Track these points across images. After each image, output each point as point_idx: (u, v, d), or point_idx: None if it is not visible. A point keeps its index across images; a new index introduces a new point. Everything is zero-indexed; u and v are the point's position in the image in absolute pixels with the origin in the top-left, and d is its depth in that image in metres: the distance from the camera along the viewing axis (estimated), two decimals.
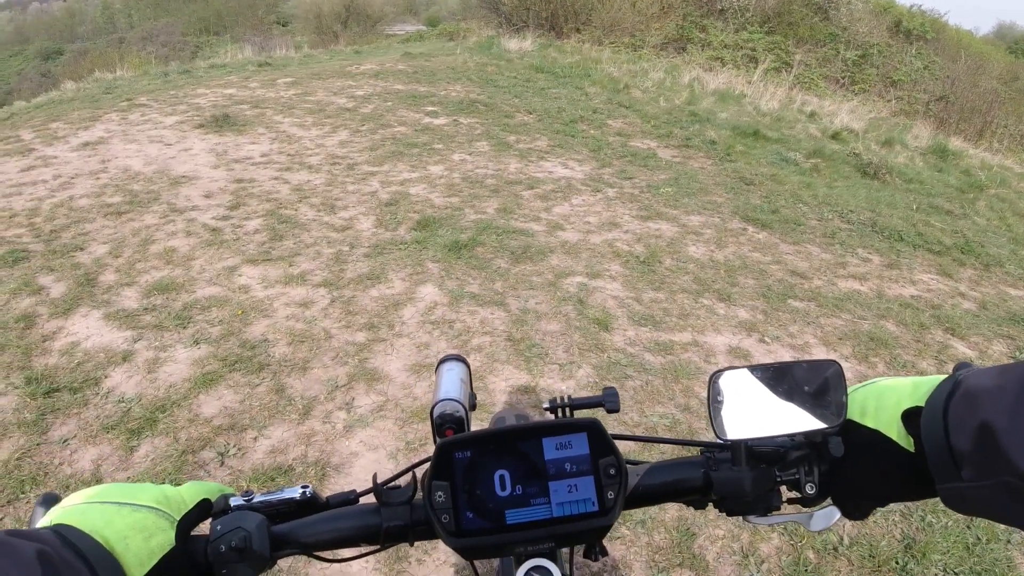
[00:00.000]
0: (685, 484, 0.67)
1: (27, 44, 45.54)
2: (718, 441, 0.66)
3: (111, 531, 0.51)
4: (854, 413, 0.63)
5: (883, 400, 0.61)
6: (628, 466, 0.65)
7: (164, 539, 0.54)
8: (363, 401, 2.74)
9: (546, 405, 0.72)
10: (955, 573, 2.12)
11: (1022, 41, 28.84)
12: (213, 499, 0.62)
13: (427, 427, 2.58)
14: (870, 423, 0.61)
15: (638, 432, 2.62)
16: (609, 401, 0.71)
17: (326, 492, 0.68)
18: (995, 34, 35.66)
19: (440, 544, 2.06)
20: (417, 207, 4.82)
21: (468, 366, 0.90)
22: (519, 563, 0.63)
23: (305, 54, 14.42)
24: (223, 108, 7.45)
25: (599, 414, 0.68)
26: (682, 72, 12.29)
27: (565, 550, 0.79)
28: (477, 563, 0.80)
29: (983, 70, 18.70)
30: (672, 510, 2.25)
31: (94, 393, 2.71)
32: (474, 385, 0.92)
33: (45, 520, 0.52)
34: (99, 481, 2.28)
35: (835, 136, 9.09)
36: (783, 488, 0.67)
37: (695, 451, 0.71)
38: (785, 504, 0.67)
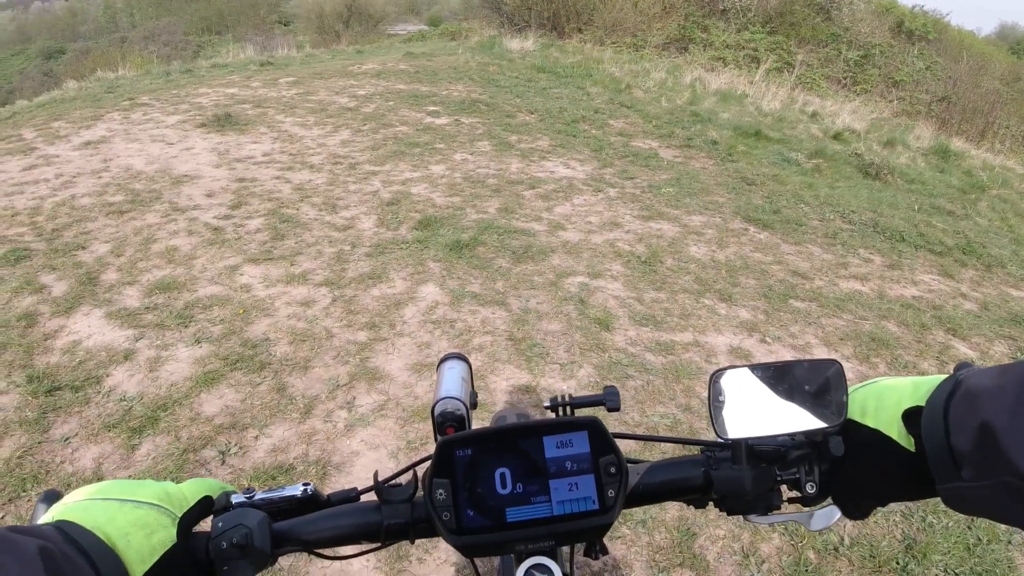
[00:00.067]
0: (686, 483, 0.67)
1: (29, 43, 45.60)
2: (719, 440, 0.66)
3: (113, 528, 0.51)
4: (855, 413, 0.63)
5: (883, 400, 0.61)
6: (629, 465, 0.65)
7: (166, 536, 0.54)
8: (364, 400, 2.74)
9: (547, 404, 0.72)
10: (956, 574, 2.12)
11: None
12: (214, 496, 0.62)
13: (428, 426, 2.58)
14: (871, 423, 0.61)
15: (639, 431, 2.62)
16: (610, 400, 0.71)
17: (327, 490, 0.68)
18: (997, 35, 35.64)
19: (441, 543, 2.07)
20: (419, 207, 4.82)
21: (469, 365, 0.90)
22: (519, 561, 0.63)
23: (307, 54, 14.43)
24: (225, 107, 7.45)
25: (600, 413, 0.68)
26: (684, 72, 12.28)
27: (565, 548, 0.79)
28: (477, 561, 0.80)
29: (985, 71, 18.68)
30: (673, 510, 2.25)
31: (95, 392, 2.71)
32: (475, 384, 0.92)
33: (47, 517, 0.52)
34: (100, 479, 2.28)
35: (837, 136, 9.08)
36: (783, 487, 0.67)
37: (695, 450, 0.71)
38: (785, 503, 0.67)
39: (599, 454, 0.61)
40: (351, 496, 0.68)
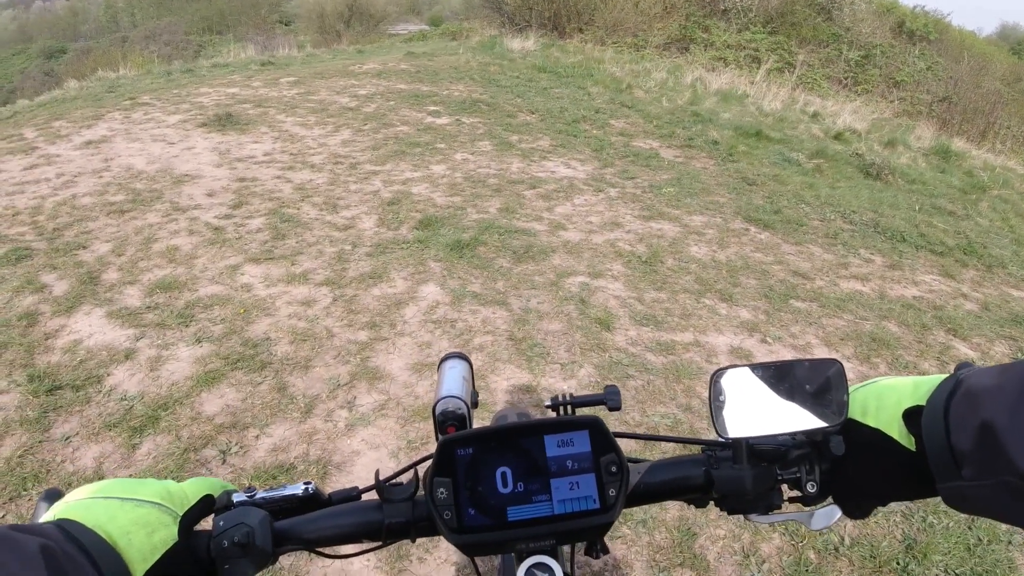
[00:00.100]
0: (686, 482, 0.67)
1: (30, 42, 45.60)
2: (719, 439, 0.66)
3: (114, 526, 0.51)
4: (855, 412, 0.63)
5: (884, 399, 0.61)
6: (629, 464, 0.65)
7: (167, 534, 0.54)
8: (365, 400, 2.74)
9: (548, 403, 0.72)
10: (956, 574, 2.12)
11: None
12: (216, 495, 0.62)
13: (428, 426, 2.58)
14: (871, 422, 0.61)
15: (639, 431, 2.62)
16: (611, 399, 0.71)
17: (328, 490, 0.68)
18: (998, 35, 35.61)
19: (441, 542, 2.07)
20: (419, 206, 4.82)
21: (471, 364, 0.90)
22: (520, 560, 0.64)
23: (308, 53, 14.43)
24: (226, 107, 7.46)
25: (601, 412, 0.69)
26: (685, 72, 12.28)
27: (566, 547, 0.79)
28: (478, 560, 0.80)
29: (986, 71, 18.67)
30: (673, 510, 2.25)
31: (96, 391, 2.71)
32: (476, 384, 0.92)
33: (48, 515, 0.52)
34: (101, 478, 2.29)
35: (838, 137, 9.08)
36: (784, 487, 0.67)
37: (696, 450, 0.71)
38: (786, 503, 0.67)
39: (600, 453, 0.61)
40: (352, 495, 0.68)
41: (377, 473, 0.66)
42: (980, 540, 2.25)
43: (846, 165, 7.43)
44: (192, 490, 0.60)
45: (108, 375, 2.81)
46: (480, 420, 0.82)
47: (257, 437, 2.51)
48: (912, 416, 0.58)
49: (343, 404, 2.71)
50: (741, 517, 0.67)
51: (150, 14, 43.34)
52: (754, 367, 0.64)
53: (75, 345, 3.00)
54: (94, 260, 3.77)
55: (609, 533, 0.66)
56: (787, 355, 3.32)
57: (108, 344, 3.02)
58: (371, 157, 5.97)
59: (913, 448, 0.58)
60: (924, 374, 0.61)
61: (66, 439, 2.45)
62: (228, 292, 3.51)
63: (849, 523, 2.27)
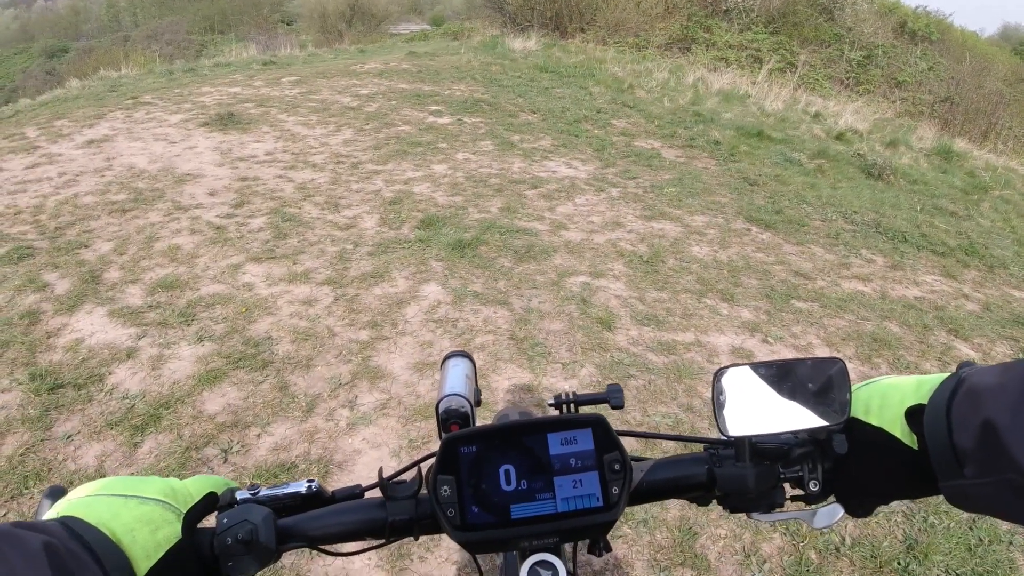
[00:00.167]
0: (689, 480, 0.67)
1: (32, 42, 45.60)
2: (722, 438, 0.66)
3: (118, 523, 0.51)
4: (858, 411, 0.63)
5: (887, 398, 0.61)
6: (632, 462, 0.65)
7: (170, 532, 0.54)
8: (366, 399, 2.75)
9: (551, 401, 0.72)
10: (957, 574, 2.12)
11: None
12: (219, 492, 0.62)
13: (430, 425, 2.59)
14: (874, 421, 0.61)
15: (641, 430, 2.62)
16: (614, 397, 0.71)
17: (330, 488, 0.68)
18: (1000, 35, 35.56)
19: (443, 541, 2.07)
20: (421, 206, 4.82)
21: (473, 362, 0.90)
22: (524, 558, 0.64)
23: (310, 53, 14.43)
24: (228, 106, 7.46)
25: (603, 411, 0.69)
26: (686, 72, 12.28)
27: (569, 545, 0.79)
28: (480, 559, 0.80)
29: (988, 71, 18.64)
30: (674, 509, 2.25)
31: (98, 389, 2.72)
32: (477, 383, 0.92)
33: (52, 512, 0.52)
34: (103, 477, 2.29)
35: (839, 137, 9.07)
36: (786, 485, 0.67)
37: (699, 448, 0.71)
38: (788, 501, 0.67)
39: (603, 451, 0.62)
40: (355, 493, 0.68)
41: (380, 471, 0.66)
42: (981, 540, 2.25)
43: (848, 165, 7.42)
44: (195, 487, 0.60)
45: (110, 374, 2.82)
46: (481, 420, 0.82)
47: (258, 436, 2.51)
48: (914, 415, 0.58)
49: (344, 403, 2.71)
50: (743, 516, 0.67)
51: (152, 13, 43.35)
52: (757, 366, 0.64)
53: (77, 344, 3.00)
54: (96, 259, 3.77)
55: (611, 532, 0.66)
56: (788, 355, 3.32)
57: (110, 343, 3.02)
58: (373, 156, 5.97)
59: (915, 447, 0.58)
60: (926, 374, 0.61)
61: (68, 437, 2.45)
62: (230, 291, 3.51)
63: (850, 523, 2.28)
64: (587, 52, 13.35)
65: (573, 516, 0.60)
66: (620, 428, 0.64)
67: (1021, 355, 3.63)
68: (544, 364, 3.04)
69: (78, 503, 0.52)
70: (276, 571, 1.94)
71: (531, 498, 0.60)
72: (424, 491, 0.64)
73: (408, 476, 0.67)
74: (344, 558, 1.98)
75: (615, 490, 0.61)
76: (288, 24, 36.44)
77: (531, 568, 0.63)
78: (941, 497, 0.56)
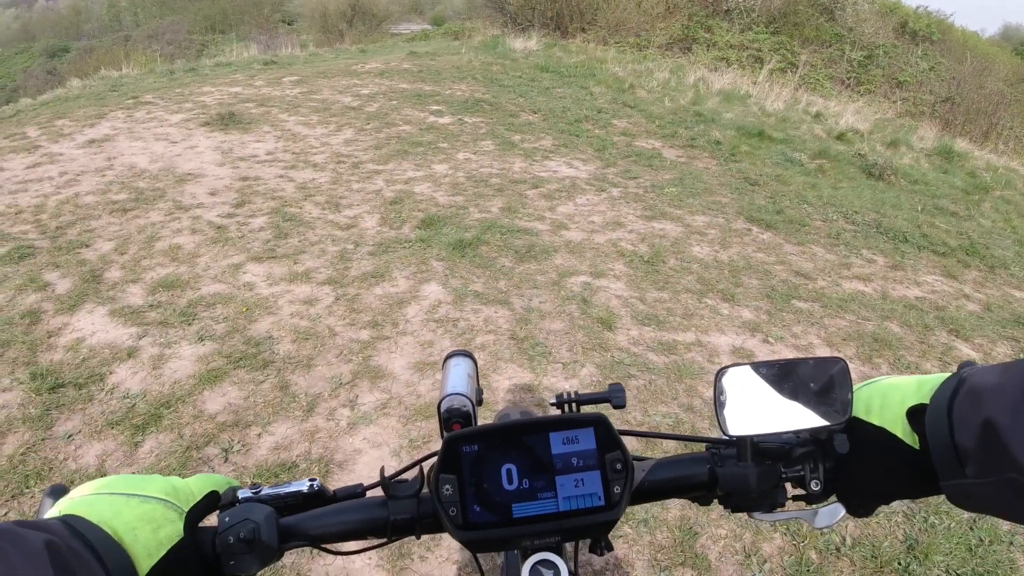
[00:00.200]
0: (691, 480, 0.67)
1: (33, 42, 45.63)
2: (724, 437, 0.66)
3: (120, 522, 0.51)
4: (859, 410, 0.63)
5: (888, 398, 0.61)
6: (634, 462, 0.65)
7: (172, 530, 0.54)
8: (367, 399, 2.75)
9: (552, 400, 0.72)
10: (957, 574, 2.12)
11: None
12: (221, 491, 0.62)
13: (430, 425, 2.59)
14: (875, 420, 0.61)
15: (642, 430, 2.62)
16: (615, 397, 0.71)
17: (331, 488, 0.68)
18: (1001, 35, 35.55)
19: (443, 541, 2.07)
20: (422, 206, 4.82)
21: (475, 362, 0.90)
22: (525, 557, 0.64)
23: (311, 53, 14.43)
24: (229, 106, 7.47)
25: (605, 410, 0.69)
26: (687, 72, 12.27)
27: (570, 544, 0.79)
28: (481, 558, 0.80)
29: (989, 72, 18.63)
30: (675, 509, 2.25)
31: (99, 389, 2.72)
32: (479, 382, 0.92)
33: (53, 511, 0.52)
34: (104, 476, 2.29)
35: (840, 137, 9.06)
36: (788, 485, 0.67)
37: (700, 448, 0.71)
38: (790, 501, 0.68)
39: (605, 450, 0.62)
40: (357, 492, 0.68)
41: (382, 470, 0.66)
42: (982, 540, 2.25)
43: (848, 165, 7.42)
44: (197, 486, 0.60)
45: (110, 373, 2.82)
46: (482, 420, 0.82)
47: (259, 435, 2.51)
48: (916, 414, 0.58)
49: (345, 403, 2.72)
50: (744, 516, 0.68)
51: (153, 13, 43.36)
52: (758, 365, 0.64)
53: (78, 343, 3.00)
54: (97, 259, 3.77)
55: (611, 531, 0.66)
56: (789, 355, 3.32)
57: (111, 342, 3.02)
58: (373, 156, 5.97)
59: (917, 446, 0.58)
60: (926, 374, 0.61)
61: (68, 437, 2.45)
62: (230, 291, 3.51)
63: (851, 523, 2.27)
64: (588, 52, 13.34)
65: (575, 515, 0.60)
66: (621, 428, 0.64)
67: (1022, 355, 3.62)
68: (545, 364, 3.04)
69: (80, 502, 0.52)
70: (277, 570, 1.94)
71: (533, 497, 0.60)
72: (426, 490, 0.64)
73: (410, 475, 0.67)
74: (344, 558, 1.98)
75: (617, 489, 0.61)
76: (289, 24, 36.44)
77: (533, 567, 0.63)
78: (941, 497, 0.56)
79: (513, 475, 0.60)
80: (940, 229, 5.63)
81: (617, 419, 2.59)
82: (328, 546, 0.65)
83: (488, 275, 3.82)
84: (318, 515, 0.64)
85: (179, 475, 2.25)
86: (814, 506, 0.67)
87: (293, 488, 0.65)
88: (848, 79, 17.95)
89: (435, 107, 7.98)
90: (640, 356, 3.16)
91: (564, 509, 0.60)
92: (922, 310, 3.98)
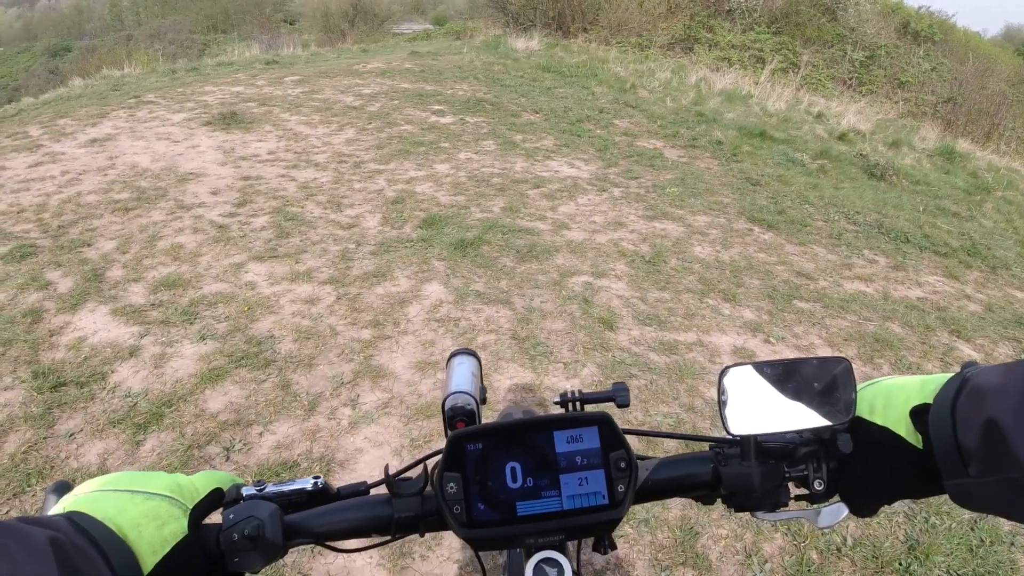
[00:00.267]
0: (694, 479, 0.67)
1: (35, 41, 45.70)
2: (727, 437, 0.66)
3: (124, 519, 0.51)
4: (863, 410, 0.63)
5: (891, 398, 0.62)
6: (638, 461, 0.65)
7: (177, 527, 0.54)
8: (368, 398, 2.75)
9: (556, 399, 0.72)
10: (958, 575, 2.12)
11: None
12: (225, 489, 0.62)
13: (431, 425, 2.59)
14: (879, 420, 0.61)
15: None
16: (619, 396, 0.72)
17: (334, 486, 0.68)
18: (1003, 36, 35.56)
19: (444, 540, 2.08)
20: (423, 205, 4.82)
21: (479, 360, 0.90)
22: (529, 555, 0.64)
23: (312, 52, 14.44)
24: (230, 106, 7.47)
25: (608, 409, 0.69)
26: (689, 72, 12.27)
27: (573, 543, 0.79)
28: (482, 557, 0.80)
29: (991, 72, 18.62)
30: (675, 509, 2.25)
31: (101, 388, 2.72)
32: (483, 381, 0.93)
33: (58, 508, 0.52)
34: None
35: (842, 137, 9.06)
36: (791, 484, 0.67)
37: (704, 447, 0.71)
38: (792, 500, 0.68)
39: (609, 449, 0.62)
40: (361, 490, 0.68)
41: (387, 468, 0.66)
42: (983, 541, 2.25)
43: (850, 166, 7.42)
44: (201, 483, 0.60)
45: (112, 372, 2.82)
46: (484, 419, 0.82)
47: (261, 434, 2.52)
48: (919, 414, 0.58)
49: (346, 402, 2.72)
50: (744, 516, 0.68)
51: (155, 12, 43.41)
52: (762, 365, 0.64)
53: (79, 342, 3.01)
54: (99, 257, 3.78)
55: (615, 530, 0.66)
56: (790, 355, 3.32)
57: (112, 341, 3.03)
58: (375, 156, 5.97)
59: (920, 446, 0.58)
60: (929, 374, 0.62)
61: (70, 435, 2.46)
62: (232, 290, 3.51)
63: (852, 523, 2.27)
64: (590, 52, 13.34)
65: (579, 514, 0.60)
66: (624, 427, 0.64)
67: (1023, 355, 3.62)
68: (546, 364, 3.04)
69: (84, 498, 0.52)
70: (278, 569, 1.94)
71: (537, 495, 0.60)
72: (430, 488, 0.64)
73: (414, 473, 0.67)
74: (346, 557, 1.98)
75: (621, 488, 0.61)
76: (291, 23, 36.48)
77: (536, 565, 0.63)
78: (943, 498, 0.56)
79: (517, 473, 0.60)
80: (942, 230, 5.62)
81: (619, 418, 2.60)
82: (332, 543, 0.65)
83: (489, 275, 3.83)
84: (322, 512, 0.64)
85: (182, 473, 2.25)
86: (817, 506, 0.67)
87: (297, 485, 0.65)
88: (850, 79, 17.94)
89: (437, 107, 7.98)
90: (641, 356, 3.16)
91: (568, 508, 0.60)
92: (923, 311, 3.98)
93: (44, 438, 2.43)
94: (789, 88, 11.87)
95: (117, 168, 5.33)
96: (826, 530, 2.21)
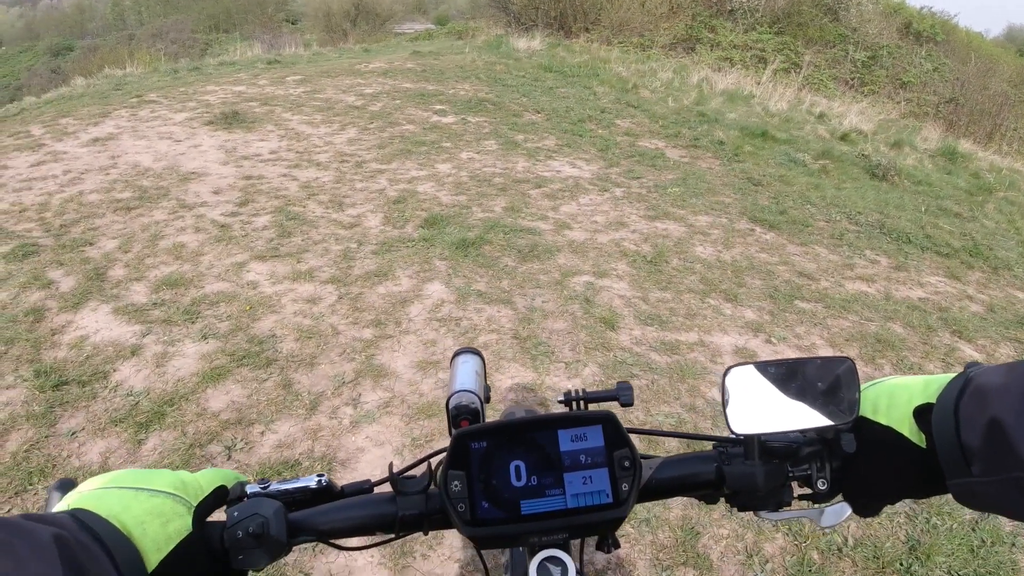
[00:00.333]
0: (698, 478, 0.67)
1: (37, 40, 45.74)
2: (731, 436, 0.66)
3: (128, 516, 0.51)
4: (866, 410, 0.63)
5: (895, 397, 0.62)
6: (641, 459, 0.65)
7: (181, 524, 0.54)
8: (369, 397, 2.75)
9: (560, 398, 0.72)
10: (959, 575, 2.12)
11: None
12: (229, 486, 0.62)
13: (433, 424, 2.59)
14: (882, 420, 0.61)
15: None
16: (623, 395, 0.72)
17: (338, 484, 0.68)
18: (1005, 36, 35.53)
19: (446, 539, 2.08)
20: (425, 205, 4.82)
21: (483, 359, 0.90)
22: (533, 553, 0.64)
23: (314, 52, 14.45)
24: (232, 105, 7.47)
25: (612, 408, 0.69)
26: (691, 72, 12.26)
27: (577, 541, 0.79)
28: (484, 556, 0.80)
29: (993, 72, 18.59)
30: (676, 508, 2.25)
31: (102, 386, 2.72)
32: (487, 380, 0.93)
33: (61, 505, 0.52)
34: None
35: (844, 137, 9.05)
36: (794, 484, 0.67)
37: (707, 447, 0.71)
38: (795, 500, 0.68)
39: (613, 448, 0.62)
40: (365, 488, 0.68)
41: (391, 466, 0.66)
42: (984, 541, 2.24)
43: (852, 166, 7.41)
44: (206, 481, 0.60)
45: (114, 371, 2.82)
46: (486, 418, 0.82)
47: (262, 433, 2.52)
48: (923, 414, 0.58)
49: (348, 401, 2.72)
50: (745, 516, 0.68)
51: (157, 12, 43.45)
52: (766, 364, 0.65)
53: (81, 341, 3.01)
54: (101, 257, 3.78)
55: (618, 528, 0.66)
56: (792, 355, 3.31)
57: (114, 340, 3.03)
58: (377, 156, 5.98)
59: (924, 446, 0.58)
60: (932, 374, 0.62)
61: (72, 434, 2.46)
62: (234, 289, 3.52)
63: (853, 524, 2.27)
64: (591, 52, 13.34)
65: (583, 512, 0.61)
66: (627, 427, 0.64)
67: None
68: (547, 363, 3.04)
69: (88, 496, 0.52)
70: (280, 568, 1.95)
71: (541, 494, 0.60)
72: (434, 487, 0.64)
73: (418, 471, 0.67)
74: (348, 556, 1.99)
75: (624, 487, 0.61)
76: (293, 23, 36.51)
77: (540, 564, 0.63)
78: (944, 498, 0.56)
79: (521, 472, 0.60)
80: (943, 230, 5.62)
81: (622, 418, 2.60)
82: (336, 541, 0.65)
83: (491, 274, 3.83)
84: (327, 510, 0.64)
85: (185, 471, 2.25)
86: (820, 505, 0.67)
87: (301, 483, 0.65)
88: (852, 80, 17.92)
89: (439, 106, 7.98)
90: (643, 356, 3.16)
91: (572, 506, 0.60)
92: (925, 311, 3.98)
93: (46, 436, 2.44)
94: (791, 88, 11.86)
95: (119, 167, 5.33)
96: (828, 530, 2.21)
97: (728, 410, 0.63)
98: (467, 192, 5.16)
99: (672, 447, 2.41)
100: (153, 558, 0.50)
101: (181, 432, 2.50)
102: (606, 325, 3.38)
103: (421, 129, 6.96)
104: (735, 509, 0.68)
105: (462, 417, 0.77)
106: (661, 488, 0.68)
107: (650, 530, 2.17)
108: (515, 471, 0.60)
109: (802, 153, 7.52)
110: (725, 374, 0.65)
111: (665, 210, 5.13)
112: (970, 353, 3.58)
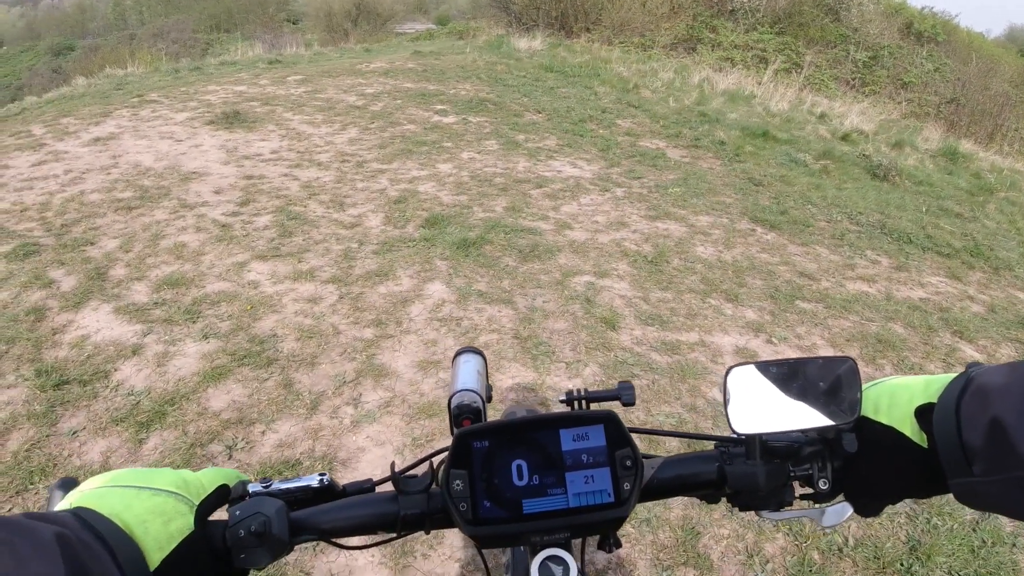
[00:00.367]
0: (699, 478, 0.68)
1: (38, 40, 45.76)
2: (733, 436, 0.66)
3: (130, 515, 0.51)
4: (867, 410, 0.63)
5: (896, 397, 0.62)
6: (643, 459, 0.65)
7: (183, 523, 0.54)
8: (370, 397, 2.75)
9: (562, 397, 0.72)
10: (960, 575, 2.12)
11: None
12: (231, 485, 0.62)
13: (433, 424, 2.59)
14: (884, 420, 0.61)
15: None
16: (625, 395, 0.72)
17: (340, 483, 0.68)
18: (1007, 37, 35.48)
19: (446, 539, 2.08)
20: (426, 205, 4.82)
21: (485, 359, 0.90)
22: (534, 553, 0.64)
23: (315, 52, 14.45)
24: (233, 105, 7.48)
25: (614, 408, 0.69)
26: (692, 72, 12.26)
27: (578, 541, 0.79)
28: (485, 556, 0.80)
29: (994, 73, 18.58)
30: (677, 508, 2.25)
31: (103, 386, 2.73)
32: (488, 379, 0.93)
33: (63, 504, 0.52)
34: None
35: (845, 137, 9.04)
36: (795, 484, 0.67)
37: (709, 446, 0.72)
38: (797, 500, 0.68)
39: (615, 447, 0.62)
40: (366, 487, 0.68)
41: (393, 465, 0.67)
42: (984, 542, 2.24)
43: (853, 166, 7.41)
44: (208, 480, 0.60)
45: (115, 370, 2.83)
46: (487, 418, 0.82)
47: (263, 433, 2.52)
48: (924, 413, 0.58)
49: (349, 401, 2.72)
50: (746, 516, 0.68)
51: (158, 12, 43.44)
52: (768, 364, 0.65)
53: (82, 340, 3.01)
54: (102, 256, 3.78)
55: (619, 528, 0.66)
56: (793, 356, 3.31)
57: (115, 339, 3.03)
58: (378, 155, 5.98)
59: (925, 445, 0.58)
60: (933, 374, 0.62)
61: (73, 433, 2.46)
62: (235, 289, 3.52)
63: (853, 524, 2.27)
64: (592, 52, 13.33)
65: (584, 511, 0.61)
66: (629, 426, 0.64)
67: None
68: (548, 363, 3.04)
69: (90, 494, 0.52)
70: (281, 567, 1.95)
71: (543, 493, 0.60)
72: (436, 486, 0.64)
73: (420, 471, 0.67)
74: (348, 555, 1.99)
75: (626, 486, 0.61)
76: (294, 23, 36.51)
77: (542, 563, 0.63)
78: (944, 498, 0.56)
79: (523, 471, 0.60)
80: (944, 230, 5.61)
81: (623, 418, 2.60)
82: (338, 540, 0.65)
83: (492, 274, 3.83)
84: (328, 509, 0.64)
85: (187, 470, 2.25)
86: (821, 505, 0.67)
87: (303, 482, 0.65)
88: (853, 80, 17.91)
89: (439, 106, 7.98)
90: (643, 356, 3.16)
91: (574, 505, 0.60)
92: (926, 311, 3.97)
93: (47, 436, 2.44)
94: (792, 88, 11.86)
95: (120, 167, 5.34)
96: (829, 530, 2.21)
97: (729, 410, 0.64)
98: (468, 192, 5.16)
99: (673, 447, 2.41)
100: (155, 557, 0.50)
101: (182, 431, 2.50)
102: (607, 325, 3.38)
103: (422, 129, 6.96)
104: (736, 509, 0.68)
105: (464, 416, 0.77)
106: (663, 488, 0.68)
107: (651, 530, 2.17)
108: (517, 470, 0.60)
109: (803, 153, 7.52)
110: (726, 374, 0.65)
111: (666, 210, 5.13)
112: (971, 353, 3.58)
